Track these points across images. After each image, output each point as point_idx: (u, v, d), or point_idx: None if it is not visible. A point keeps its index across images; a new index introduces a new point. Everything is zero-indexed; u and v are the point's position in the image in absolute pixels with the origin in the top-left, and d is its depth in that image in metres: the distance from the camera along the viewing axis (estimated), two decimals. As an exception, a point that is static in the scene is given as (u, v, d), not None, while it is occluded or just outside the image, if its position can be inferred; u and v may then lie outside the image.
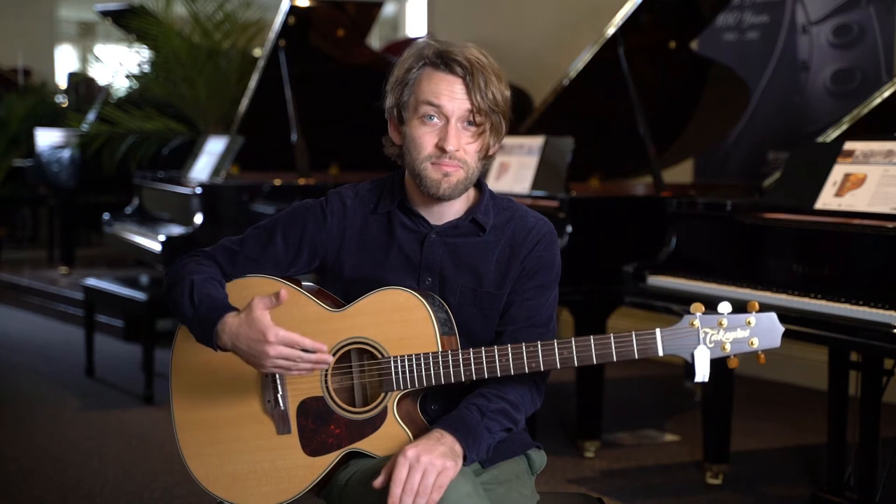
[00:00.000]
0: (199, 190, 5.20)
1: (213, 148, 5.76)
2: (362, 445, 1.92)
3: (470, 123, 1.93)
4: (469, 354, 1.87)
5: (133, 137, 7.49)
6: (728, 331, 1.81)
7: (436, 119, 1.93)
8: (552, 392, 4.41)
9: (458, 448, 1.81)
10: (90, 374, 5.38)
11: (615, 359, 1.84)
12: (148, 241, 5.31)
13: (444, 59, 1.92)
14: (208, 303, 1.91)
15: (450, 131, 1.91)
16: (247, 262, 2.02)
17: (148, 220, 5.79)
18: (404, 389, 1.90)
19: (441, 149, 1.92)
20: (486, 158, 2.00)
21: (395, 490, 1.74)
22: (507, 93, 1.97)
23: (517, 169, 4.13)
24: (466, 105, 1.91)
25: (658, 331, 1.82)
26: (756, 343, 1.80)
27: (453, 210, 2.02)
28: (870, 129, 3.32)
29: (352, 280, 2.01)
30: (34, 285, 7.66)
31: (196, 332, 1.93)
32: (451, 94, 1.91)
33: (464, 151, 1.93)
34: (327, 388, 1.95)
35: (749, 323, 1.80)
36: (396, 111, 1.99)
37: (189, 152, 6.24)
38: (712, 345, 1.81)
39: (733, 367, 1.84)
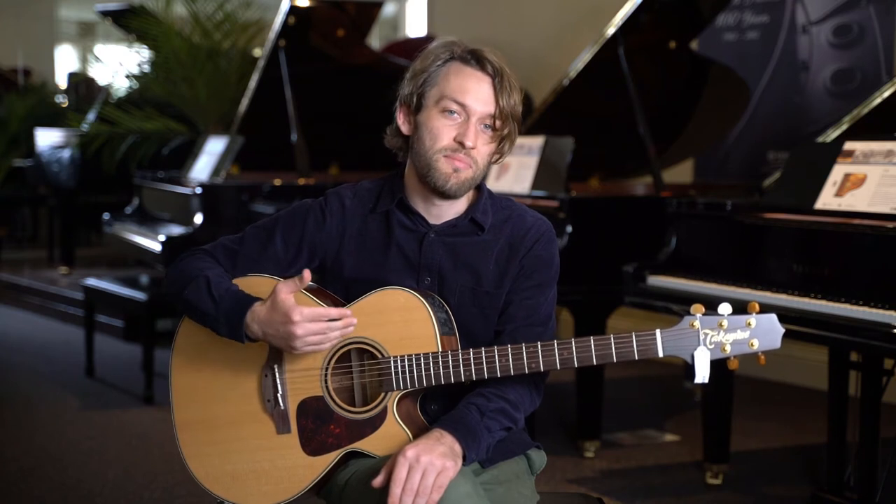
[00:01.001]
0: (199, 190, 5.20)
1: (213, 148, 5.76)
2: (362, 445, 1.92)
3: (487, 126, 1.94)
4: (469, 355, 1.87)
5: (133, 137, 7.49)
6: (728, 332, 1.80)
7: (457, 115, 1.93)
8: (552, 392, 4.41)
9: (457, 448, 1.81)
10: (90, 374, 5.38)
11: (615, 360, 1.84)
12: (148, 241, 5.31)
13: (475, 57, 1.94)
14: (230, 297, 1.92)
15: (470, 128, 1.92)
16: (246, 262, 2.02)
17: (148, 220, 5.78)
18: (404, 389, 1.90)
19: (460, 143, 1.92)
20: (491, 164, 2.01)
21: (395, 490, 1.74)
22: (521, 107, 1.99)
23: (517, 169, 4.13)
24: (491, 108, 1.93)
25: (658, 332, 1.82)
26: (756, 344, 1.80)
27: (452, 210, 2.02)
28: (870, 129, 3.32)
29: (351, 280, 2.01)
30: (34, 285, 7.65)
31: (221, 328, 1.93)
32: (477, 93, 1.92)
33: (478, 151, 1.94)
34: (327, 387, 1.95)
35: (749, 324, 1.80)
36: (416, 99, 1.98)
37: (189, 152, 6.24)
38: (712, 346, 1.81)
39: (733, 368, 1.84)
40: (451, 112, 1.93)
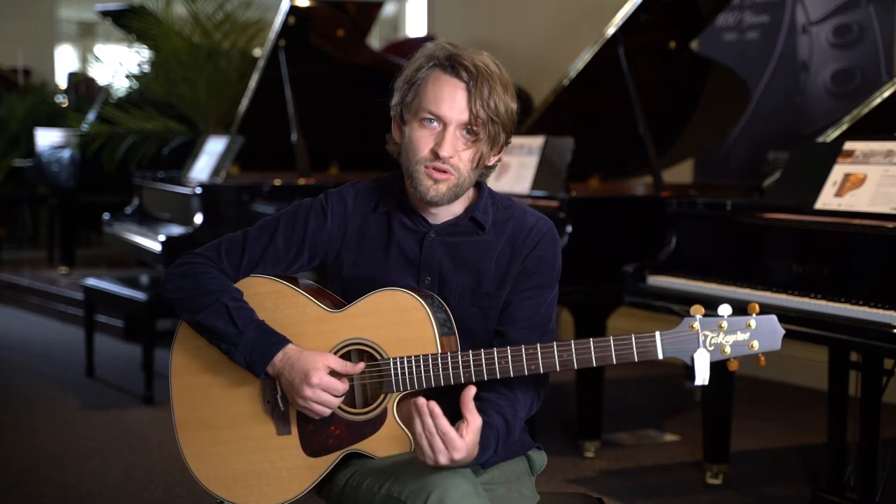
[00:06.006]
0: (199, 190, 5.20)
1: (213, 148, 5.76)
2: (362, 446, 1.92)
3: (469, 132, 1.93)
4: (469, 357, 1.87)
5: (133, 137, 7.49)
6: (728, 333, 1.80)
7: (435, 123, 1.93)
8: (552, 392, 4.38)
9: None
10: (90, 374, 5.38)
11: (615, 362, 1.84)
12: (148, 241, 5.31)
13: (451, 62, 1.92)
14: (255, 328, 1.94)
15: (446, 137, 1.91)
16: (249, 264, 2.02)
17: (148, 220, 5.78)
18: (404, 391, 1.90)
19: (435, 153, 1.92)
20: (486, 168, 1.99)
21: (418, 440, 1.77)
22: (513, 105, 1.96)
23: (517, 169, 4.13)
24: (465, 116, 1.91)
25: (658, 334, 1.82)
26: (756, 346, 1.80)
27: (453, 210, 2.01)
28: (870, 129, 3.32)
29: (351, 279, 2.01)
30: (34, 285, 7.65)
31: (238, 358, 1.94)
32: (451, 101, 1.91)
33: (458, 158, 1.93)
34: (327, 388, 1.95)
35: (749, 325, 1.79)
36: (400, 110, 1.99)
37: (189, 152, 6.24)
38: (712, 348, 1.80)
39: (733, 369, 1.84)
40: (430, 121, 1.92)
